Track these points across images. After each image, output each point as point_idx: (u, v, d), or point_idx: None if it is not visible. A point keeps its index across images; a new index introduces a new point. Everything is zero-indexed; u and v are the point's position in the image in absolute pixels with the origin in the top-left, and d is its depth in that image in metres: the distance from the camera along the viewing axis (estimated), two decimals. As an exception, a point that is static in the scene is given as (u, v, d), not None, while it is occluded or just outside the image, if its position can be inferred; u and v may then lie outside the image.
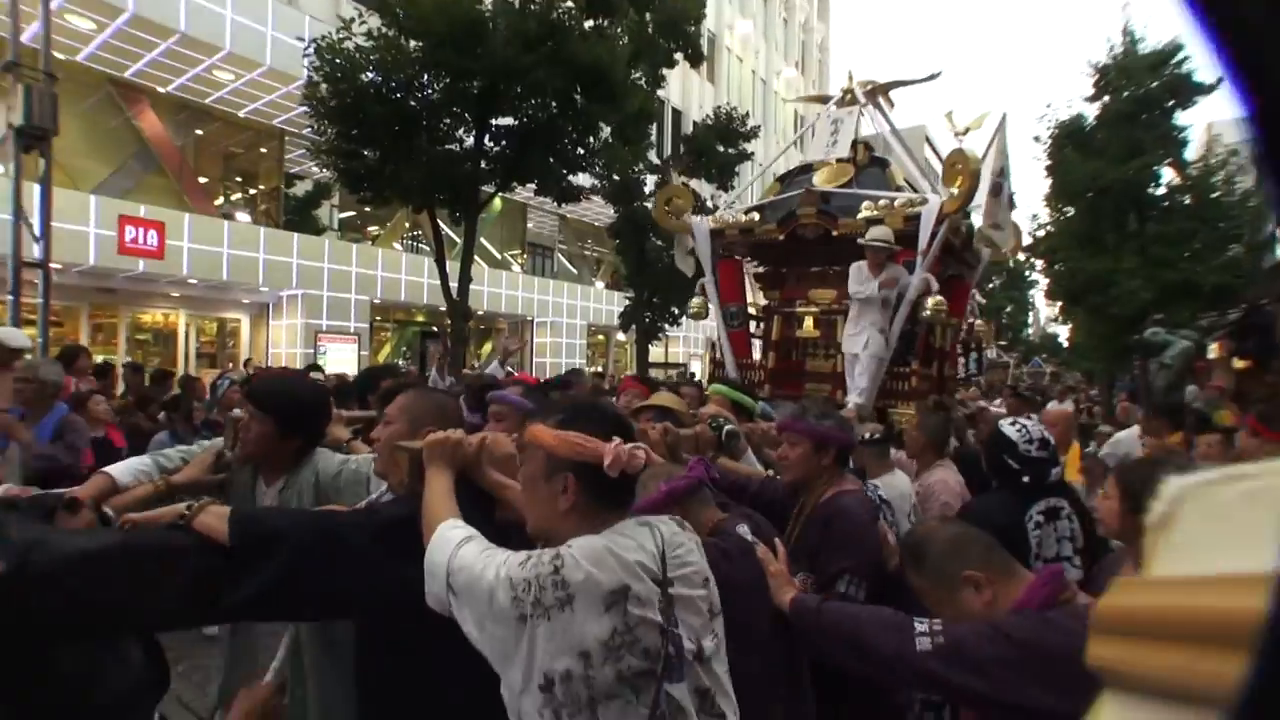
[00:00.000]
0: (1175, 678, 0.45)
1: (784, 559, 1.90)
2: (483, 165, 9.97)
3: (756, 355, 6.31)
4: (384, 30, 8.96)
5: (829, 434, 2.22)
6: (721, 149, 13.61)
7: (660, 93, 14.07)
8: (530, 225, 21.05)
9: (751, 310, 6.39)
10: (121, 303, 13.31)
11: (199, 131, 14.45)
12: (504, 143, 10.00)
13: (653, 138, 13.76)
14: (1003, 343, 27.73)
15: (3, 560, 1.21)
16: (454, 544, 1.29)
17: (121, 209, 11.44)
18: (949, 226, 4.81)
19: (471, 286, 10.60)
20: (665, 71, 12.62)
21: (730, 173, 14.03)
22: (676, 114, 23.06)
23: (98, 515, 1.79)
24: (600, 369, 23.32)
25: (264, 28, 11.93)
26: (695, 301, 6.39)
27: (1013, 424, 2.67)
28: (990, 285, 27.15)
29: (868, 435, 3.39)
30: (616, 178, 12.53)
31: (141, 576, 1.35)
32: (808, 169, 6.05)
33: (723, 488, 2.51)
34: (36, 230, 6.43)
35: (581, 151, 10.33)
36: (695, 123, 23.79)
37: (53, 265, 6.63)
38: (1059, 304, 14.32)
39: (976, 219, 5.25)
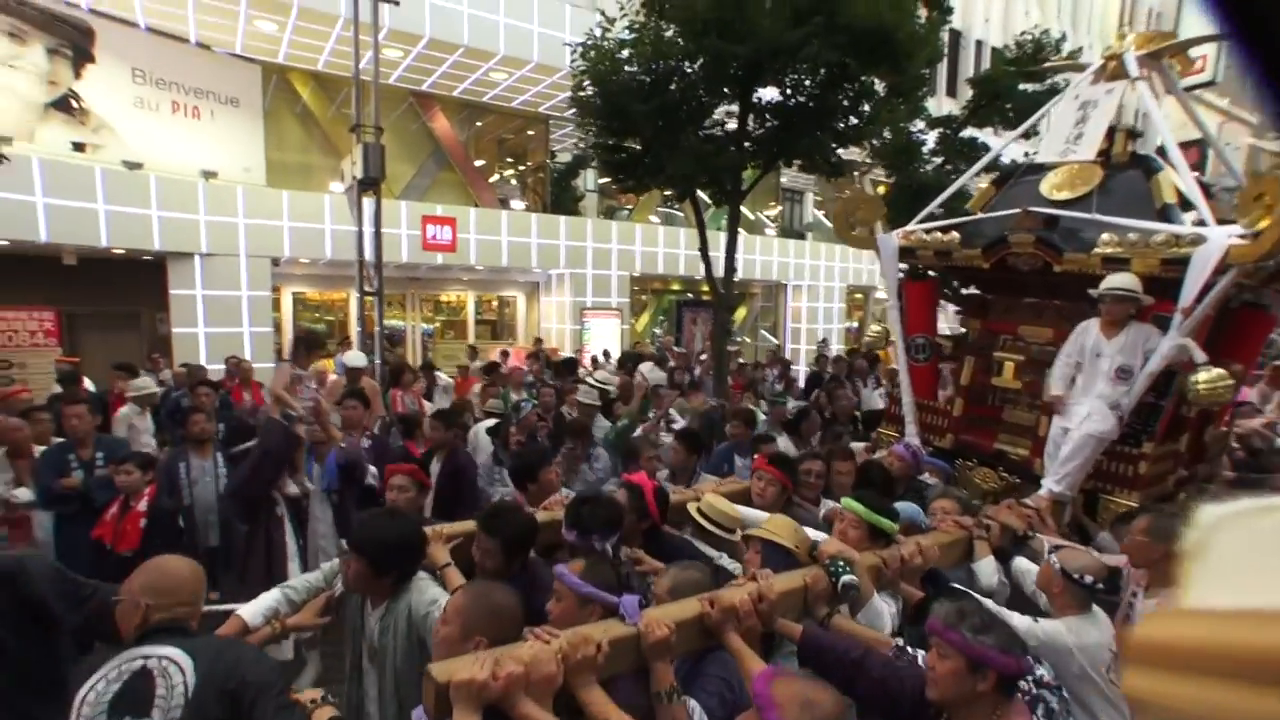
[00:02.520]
0: (1212, 714, 0.43)
1: None
2: (746, 146, 9.33)
3: (943, 395, 5.06)
4: (643, 20, 8.63)
5: (987, 657, 1.70)
6: (1025, 87, 11.19)
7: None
8: (784, 180, 19.91)
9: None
10: (424, 289, 15.36)
11: (478, 124, 15.77)
12: (768, 121, 9.22)
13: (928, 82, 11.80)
14: None
15: None
16: None
17: (423, 210, 12.92)
18: (1238, 275, 3.27)
19: (735, 255, 10.10)
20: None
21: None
22: (954, 35, 19.72)
23: None
24: (857, 324, 21.88)
25: (530, 25, 12.37)
26: (873, 330, 5.29)
27: None
28: None
29: (1085, 579, 2.45)
30: (889, 137, 11.00)
31: None
32: (1036, 170, 4.49)
33: (818, 667, 2.12)
34: (369, 250, 7.90)
35: (854, 121, 9.15)
36: (979, 44, 20.34)
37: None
38: None
39: None
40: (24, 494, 4.21)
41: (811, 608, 2.39)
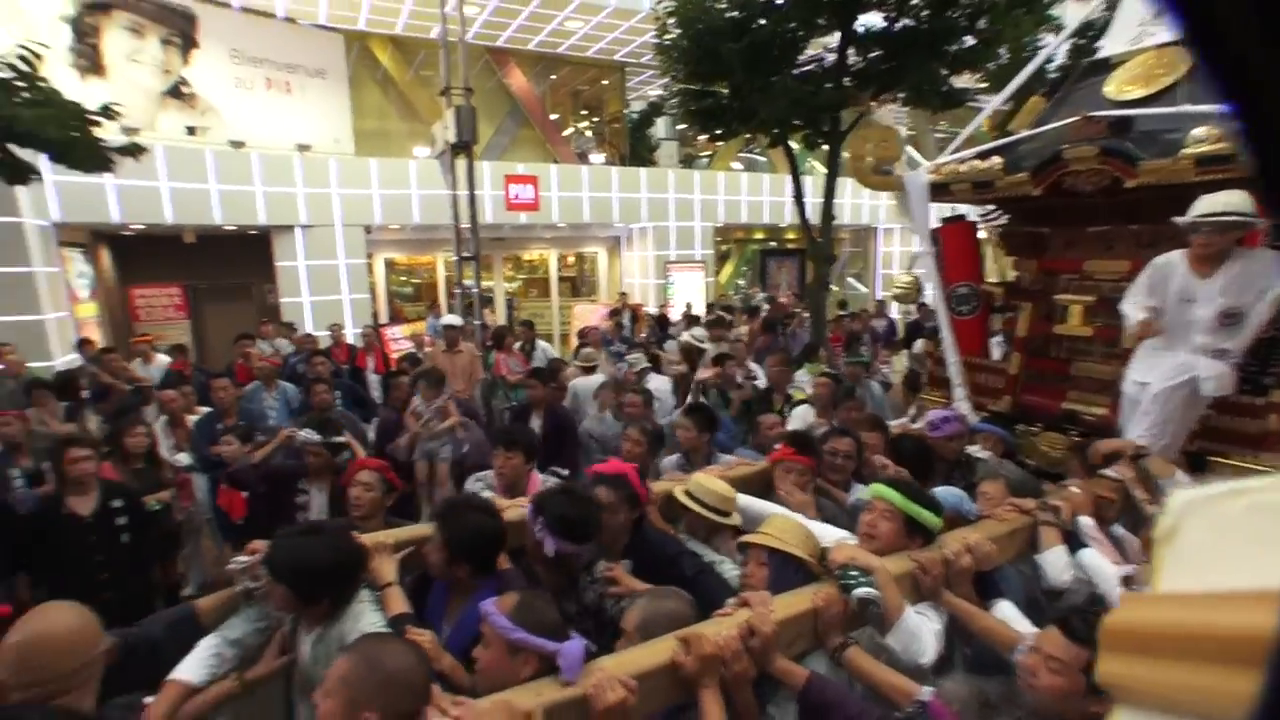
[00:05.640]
0: (1187, 696, 0.44)
1: None
2: (846, 82, 8.63)
3: (996, 353, 4.35)
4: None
5: None
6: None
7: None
8: (873, 115, 18.67)
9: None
10: (507, 249, 15.38)
11: (552, 77, 15.44)
12: (870, 52, 8.49)
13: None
14: None
15: None
16: None
17: (505, 169, 12.82)
18: None
19: (813, 200, 9.53)
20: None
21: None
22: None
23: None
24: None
25: (607, -32, 11.87)
26: (904, 280, 4.60)
27: None
28: None
29: None
30: (1007, 57, 9.84)
31: None
32: (1101, 68, 3.60)
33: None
34: (464, 212, 7.44)
35: (970, 41, 8.26)
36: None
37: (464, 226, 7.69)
38: None
39: None
40: (184, 458, 4.64)
41: (823, 637, 1.93)
